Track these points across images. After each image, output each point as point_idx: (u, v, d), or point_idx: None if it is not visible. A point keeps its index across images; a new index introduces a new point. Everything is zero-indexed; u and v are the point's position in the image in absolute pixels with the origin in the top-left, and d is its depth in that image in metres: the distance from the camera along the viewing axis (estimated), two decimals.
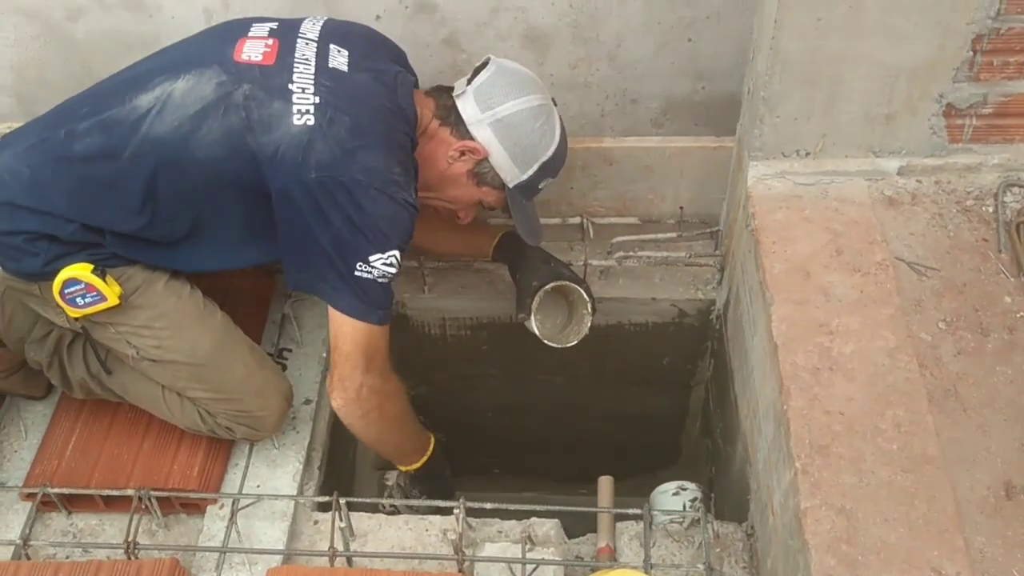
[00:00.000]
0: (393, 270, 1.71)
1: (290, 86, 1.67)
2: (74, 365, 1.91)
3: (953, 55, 1.70)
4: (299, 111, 1.65)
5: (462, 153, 1.81)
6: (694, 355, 2.42)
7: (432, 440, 2.06)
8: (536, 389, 2.57)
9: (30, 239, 1.71)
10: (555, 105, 1.90)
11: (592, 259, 2.24)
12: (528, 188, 1.88)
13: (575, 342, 2.11)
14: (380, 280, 1.71)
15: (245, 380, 1.87)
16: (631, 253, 2.27)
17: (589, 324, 2.09)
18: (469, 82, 1.84)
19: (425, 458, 2.03)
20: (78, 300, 1.73)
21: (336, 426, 2.15)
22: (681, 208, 2.28)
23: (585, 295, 2.06)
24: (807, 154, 1.87)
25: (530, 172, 1.84)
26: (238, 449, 1.98)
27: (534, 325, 2.06)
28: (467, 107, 1.81)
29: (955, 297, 1.69)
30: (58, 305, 1.74)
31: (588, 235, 2.27)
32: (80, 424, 1.99)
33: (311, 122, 1.64)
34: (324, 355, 2.15)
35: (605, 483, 1.99)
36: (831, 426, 1.51)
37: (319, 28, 1.80)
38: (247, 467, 1.95)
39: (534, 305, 2.02)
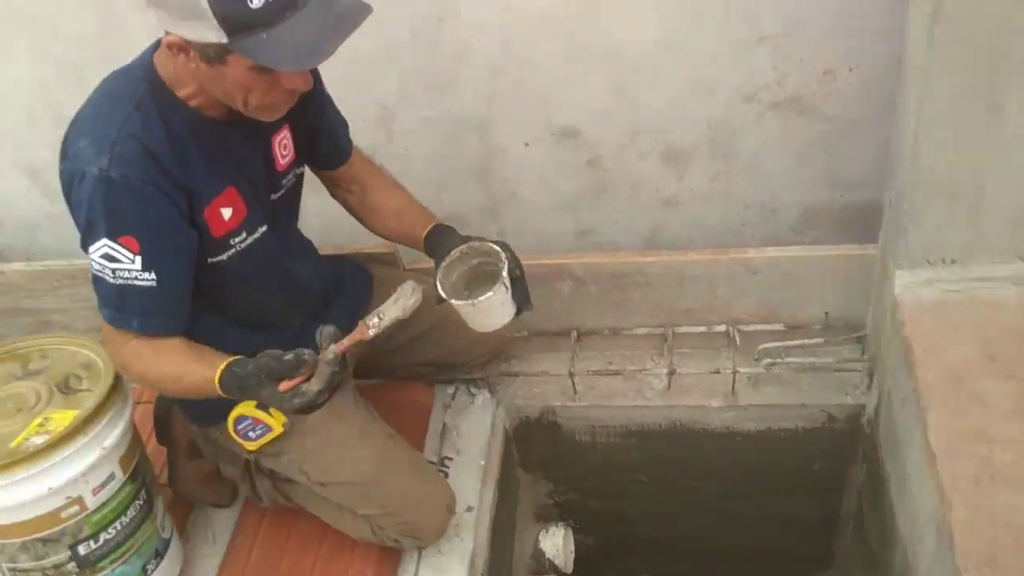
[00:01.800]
0: (111, 264, 1.56)
1: None
2: (262, 479, 2.08)
3: None
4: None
5: (179, 55, 1.50)
6: (845, 460, 2.41)
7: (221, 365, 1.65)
8: (686, 495, 2.60)
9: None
10: None
11: (740, 367, 2.29)
12: (246, 21, 1.41)
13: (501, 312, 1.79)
14: (100, 273, 1.58)
15: (406, 494, 1.96)
16: (778, 359, 2.31)
17: (506, 283, 1.76)
18: None
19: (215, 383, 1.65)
20: (250, 434, 1.87)
21: (495, 532, 2.24)
22: (826, 314, 2.32)
23: (497, 248, 1.79)
24: (953, 262, 1.90)
25: (208, 10, 1.38)
26: (407, 556, 2.08)
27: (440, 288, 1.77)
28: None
29: None
30: (236, 441, 1.89)
31: (735, 343, 2.33)
32: (263, 531, 2.14)
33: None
34: (482, 463, 2.26)
35: None
36: (997, 538, 1.50)
37: None
38: (416, 574, 2.04)
39: (443, 271, 1.79)
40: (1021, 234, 1.84)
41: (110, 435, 1.80)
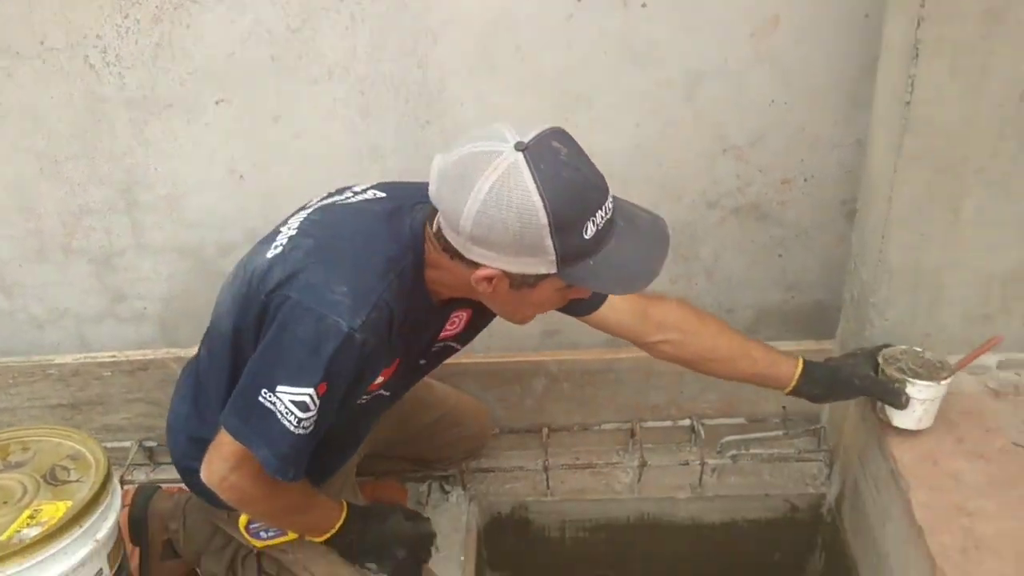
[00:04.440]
0: (302, 414, 1.49)
1: (281, 228, 1.63)
2: None
3: None
4: (275, 246, 1.59)
5: (488, 281, 1.45)
6: (805, 549, 2.51)
7: (342, 514, 1.82)
8: None
9: None
10: (527, 149, 1.37)
11: (706, 458, 2.38)
12: (579, 251, 1.41)
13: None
14: (281, 418, 1.50)
15: None
16: (741, 451, 2.41)
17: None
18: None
19: (327, 535, 1.82)
20: (262, 534, 1.85)
21: None
22: (784, 407, 2.45)
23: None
24: None
25: (551, 249, 1.38)
26: None
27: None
28: (449, 235, 1.45)
29: None
30: (244, 537, 1.86)
31: (699, 436, 2.42)
32: None
33: (279, 251, 1.57)
34: (462, 559, 2.25)
35: None
36: None
37: (380, 182, 1.72)
38: None
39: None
40: (972, 327, 2.03)
41: (102, 527, 1.74)
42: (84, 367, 2.41)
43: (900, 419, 1.90)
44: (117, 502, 1.80)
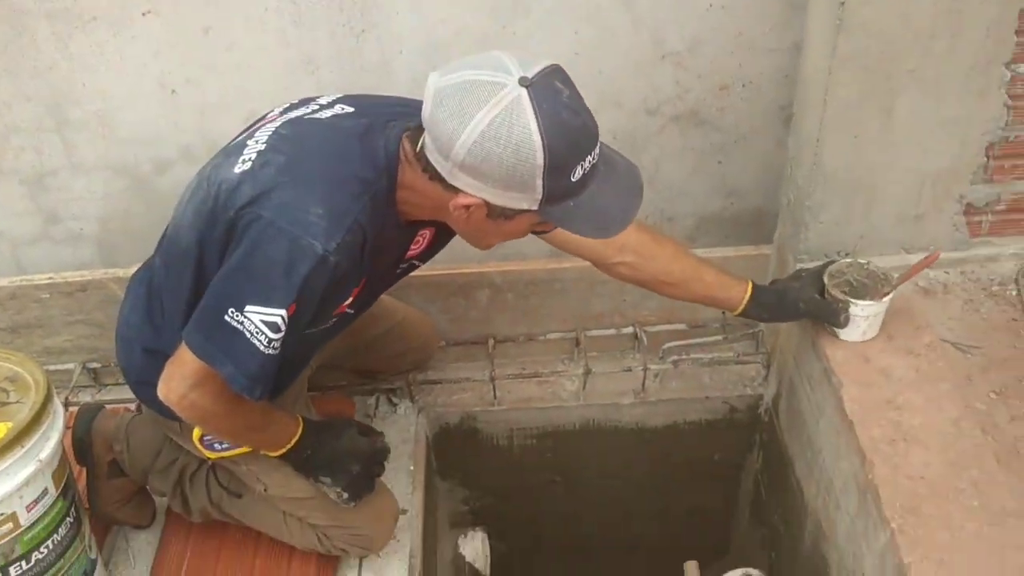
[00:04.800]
0: (272, 335, 1.48)
1: (248, 142, 1.59)
2: (196, 493, 2.03)
3: (970, 161, 1.98)
4: (242, 160, 1.55)
5: (466, 209, 1.46)
6: (743, 448, 2.59)
7: (298, 430, 1.83)
8: (595, 493, 2.71)
9: None
10: (531, 85, 1.36)
11: (649, 364, 2.43)
12: (562, 193, 1.43)
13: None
14: (250, 337, 1.49)
15: (362, 507, 1.96)
16: (682, 356, 2.47)
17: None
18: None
19: (283, 451, 1.82)
20: (216, 445, 1.85)
21: (426, 534, 2.28)
22: (724, 313, 2.50)
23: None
24: (847, 254, 2.11)
25: (539, 188, 1.40)
26: (345, 562, 2.08)
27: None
28: (434, 158, 1.44)
29: (999, 371, 1.91)
30: (196, 448, 1.87)
31: (642, 342, 2.47)
32: (190, 548, 2.09)
33: (247, 167, 1.53)
34: (411, 468, 2.29)
35: (692, 568, 2.13)
36: (916, 490, 1.69)
37: (343, 94, 1.70)
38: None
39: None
40: (904, 227, 2.07)
41: (45, 448, 1.73)
42: (21, 290, 2.37)
43: (846, 334, 1.96)
44: (59, 423, 1.79)
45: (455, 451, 2.56)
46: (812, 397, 2.08)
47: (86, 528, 1.90)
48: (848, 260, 1.99)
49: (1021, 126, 1.93)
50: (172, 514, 2.15)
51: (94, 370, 2.51)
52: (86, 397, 2.48)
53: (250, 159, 1.55)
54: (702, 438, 2.55)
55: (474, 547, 2.53)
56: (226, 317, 1.49)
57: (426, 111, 1.41)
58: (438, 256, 2.46)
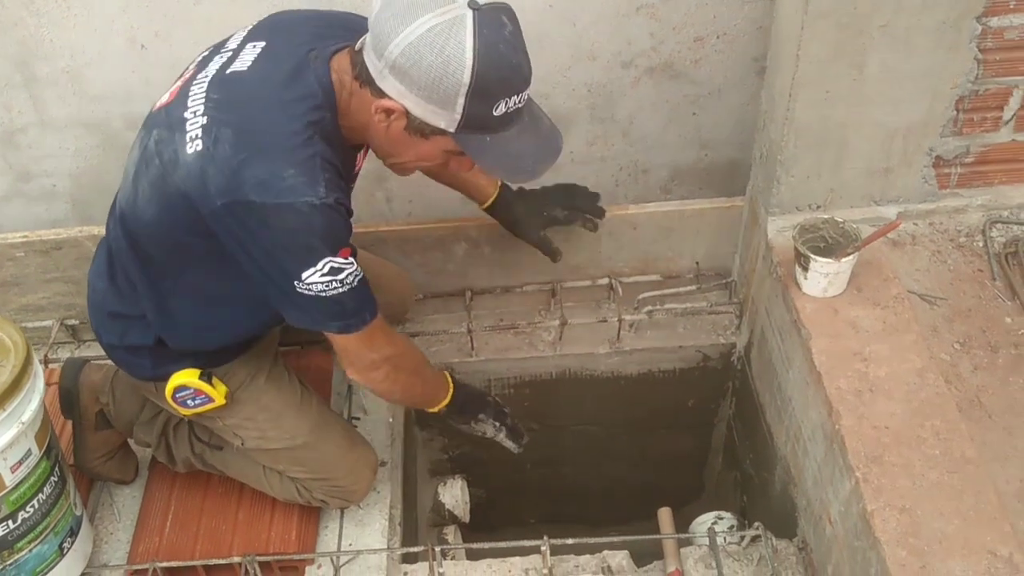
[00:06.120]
0: (338, 276, 1.56)
1: (184, 114, 1.57)
2: (179, 444, 2.06)
3: (940, 114, 2.00)
4: (190, 138, 1.54)
5: (385, 115, 1.52)
6: (717, 395, 2.65)
7: (447, 375, 2.02)
8: (572, 439, 2.76)
9: (132, 350, 1.87)
10: (479, 10, 1.43)
11: (624, 315, 2.46)
12: (481, 123, 1.49)
13: None
14: (326, 294, 1.57)
15: (339, 459, 2.01)
16: (656, 307, 2.50)
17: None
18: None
19: (450, 394, 1.98)
20: (188, 402, 1.88)
21: (405, 486, 2.32)
22: (697, 263, 2.53)
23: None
24: (818, 207, 2.13)
25: (459, 108, 1.46)
26: (327, 512, 2.13)
27: None
28: (369, 59, 1.49)
29: (964, 321, 1.96)
30: (171, 406, 1.89)
31: (617, 293, 2.50)
32: (174, 501, 2.13)
33: (200, 147, 1.52)
34: (391, 420, 2.33)
35: (665, 514, 2.20)
36: (880, 439, 1.74)
37: (248, 29, 1.70)
38: (341, 528, 2.10)
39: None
40: (874, 181, 2.10)
41: (26, 410, 1.75)
42: None
43: (808, 288, 1.99)
44: (40, 384, 1.80)
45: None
46: (782, 347, 2.12)
47: (71, 486, 1.93)
48: (825, 216, 2.01)
49: (991, 79, 1.95)
50: (156, 469, 2.19)
51: (72, 327, 2.51)
52: (65, 353, 2.50)
53: (198, 136, 1.53)
54: (676, 386, 2.60)
55: (453, 494, 2.58)
56: (301, 292, 1.56)
57: (374, 10, 1.46)
58: (415, 210, 2.49)
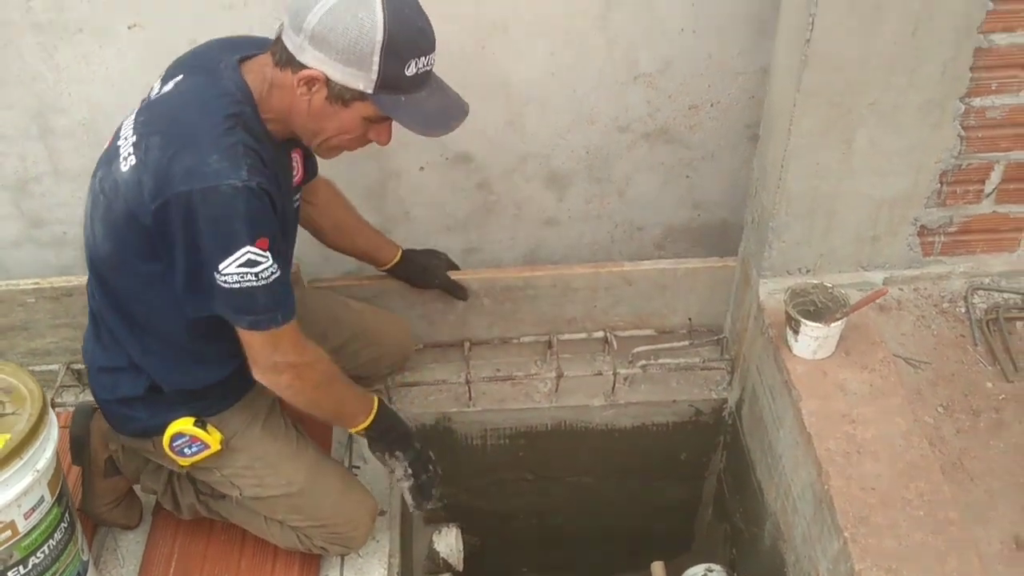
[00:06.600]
0: (254, 270, 1.61)
1: (118, 143, 1.69)
2: (185, 491, 2.11)
3: (925, 187, 2.09)
4: (124, 158, 1.65)
5: (307, 86, 1.63)
6: (708, 449, 2.71)
7: (375, 399, 2.02)
8: (565, 490, 2.82)
9: (125, 403, 1.92)
10: None
11: (619, 368, 2.53)
12: (395, 83, 1.62)
13: None
14: (240, 285, 1.62)
15: (337, 505, 2.06)
16: (650, 361, 2.57)
17: None
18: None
19: (371, 417, 1.98)
20: (185, 451, 1.93)
21: (403, 531, 2.37)
22: (690, 320, 2.61)
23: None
24: (808, 271, 2.22)
25: (375, 66, 1.59)
26: (328, 560, 2.17)
27: None
28: (288, 38, 1.62)
29: (947, 385, 2.04)
30: (169, 456, 1.94)
31: (612, 347, 2.57)
32: (178, 547, 2.17)
33: (133, 161, 1.63)
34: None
35: (658, 567, 2.26)
36: (867, 500, 1.81)
37: (165, 70, 1.79)
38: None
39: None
40: (862, 247, 2.19)
41: (41, 458, 1.79)
42: (7, 294, 2.41)
43: (798, 350, 2.07)
44: (55, 432, 1.85)
45: (432, 450, 2.64)
46: (773, 406, 2.19)
47: (79, 531, 1.97)
48: (814, 281, 2.10)
49: (973, 155, 2.05)
50: (160, 514, 2.23)
51: (78, 371, 2.56)
52: (70, 397, 2.54)
53: (130, 154, 1.64)
54: (669, 439, 2.67)
55: (448, 543, 2.63)
56: (220, 285, 1.62)
57: None
58: None
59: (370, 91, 1.62)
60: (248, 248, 1.60)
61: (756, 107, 2.34)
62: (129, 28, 2.18)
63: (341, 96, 1.64)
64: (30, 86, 2.26)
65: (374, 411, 1.99)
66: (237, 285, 1.62)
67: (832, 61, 1.88)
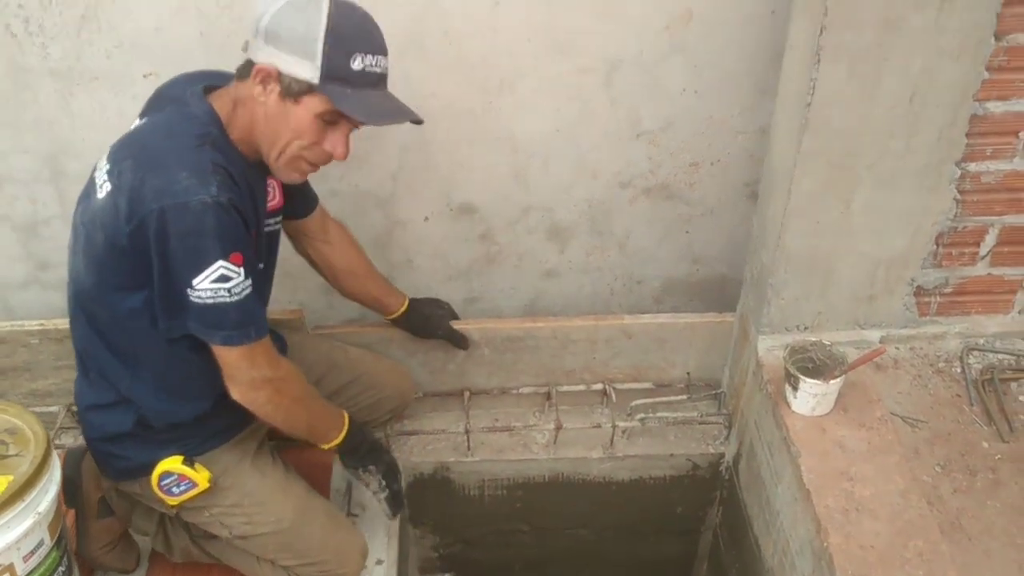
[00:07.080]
0: (226, 285, 1.65)
1: (95, 175, 1.75)
2: (177, 532, 2.11)
3: (921, 248, 2.13)
4: (99, 186, 1.71)
5: (261, 84, 1.68)
6: (704, 503, 2.72)
7: (346, 415, 2.05)
8: (562, 542, 2.82)
9: (114, 440, 1.93)
10: None
11: (617, 421, 2.55)
12: (341, 75, 1.66)
13: None
14: (213, 301, 1.65)
15: (325, 542, 2.06)
16: (649, 414, 2.59)
17: None
18: None
19: (344, 432, 2.02)
20: (173, 490, 1.94)
21: None
22: (688, 373, 2.63)
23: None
24: (806, 328, 2.25)
25: (319, 56, 1.63)
26: None
27: None
28: (248, 48, 1.70)
29: (944, 444, 2.06)
30: (157, 496, 1.95)
31: (611, 399, 2.59)
32: None
33: (109, 188, 1.68)
34: (388, 520, 2.38)
35: None
36: (866, 558, 1.82)
37: (143, 108, 1.87)
38: None
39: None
40: (859, 306, 2.22)
41: (43, 501, 1.80)
42: (11, 335, 2.43)
43: (797, 406, 2.09)
44: (57, 475, 1.86)
45: (428, 499, 2.65)
46: (771, 462, 2.21)
47: (76, 574, 1.97)
48: (813, 339, 2.13)
49: (968, 218, 2.10)
50: (156, 559, 2.22)
51: (77, 412, 2.56)
52: (68, 439, 2.54)
53: (105, 181, 1.70)
54: (666, 492, 2.67)
55: None
56: (193, 301, 1.66)
57: (258, 8, 1.67)
58: None
59: (316, 80, 1.65)
60: (221, 263, 1.64)
61: (755, 165, 2.39)
62: (144, 76, 2.22)
63: (291, 90, 1.67)
64: (45, 131, 2.30)
65: (346, 426, 2.03)
66: (211, 300, 1.65)
67: (832, 125, 1.93)
